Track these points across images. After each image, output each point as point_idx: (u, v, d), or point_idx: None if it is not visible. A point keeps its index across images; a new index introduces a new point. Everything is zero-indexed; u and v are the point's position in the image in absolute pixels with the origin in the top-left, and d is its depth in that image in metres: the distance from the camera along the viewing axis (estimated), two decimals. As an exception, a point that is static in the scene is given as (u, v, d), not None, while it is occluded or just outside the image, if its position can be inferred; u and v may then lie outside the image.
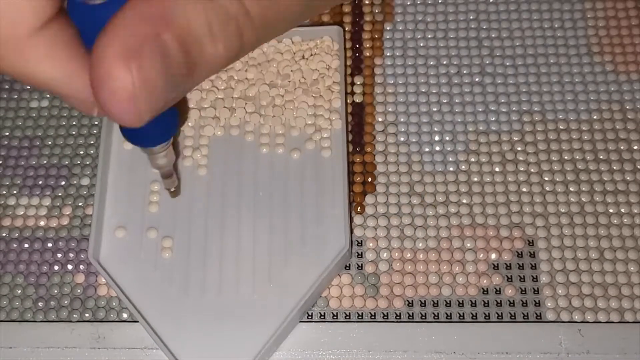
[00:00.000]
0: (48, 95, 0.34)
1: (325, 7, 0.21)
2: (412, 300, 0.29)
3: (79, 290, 0.30)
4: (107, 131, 0.31)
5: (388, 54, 0.34)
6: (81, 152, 0.33)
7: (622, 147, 0.32)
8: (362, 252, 0.30)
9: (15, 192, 0.32)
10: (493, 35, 0.35)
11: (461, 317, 0.29)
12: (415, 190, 0.31)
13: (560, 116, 0.33)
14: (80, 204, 0.32)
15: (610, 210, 0.31)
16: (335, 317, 0.29)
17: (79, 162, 0.33)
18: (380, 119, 0.33)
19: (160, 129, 0.23)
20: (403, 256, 0.30)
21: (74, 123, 0.33)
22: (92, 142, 0.33)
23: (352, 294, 0.29)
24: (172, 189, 0.29)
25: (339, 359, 0.28)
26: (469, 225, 0.30)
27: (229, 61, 0.18)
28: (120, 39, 0.16)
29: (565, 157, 0.32)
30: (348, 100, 0.33)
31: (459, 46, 0.34)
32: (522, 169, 0.32)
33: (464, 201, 0.31)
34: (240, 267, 0.29)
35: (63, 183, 0.32)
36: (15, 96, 0.34)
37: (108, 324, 0.29)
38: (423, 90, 0.34)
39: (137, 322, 0.29)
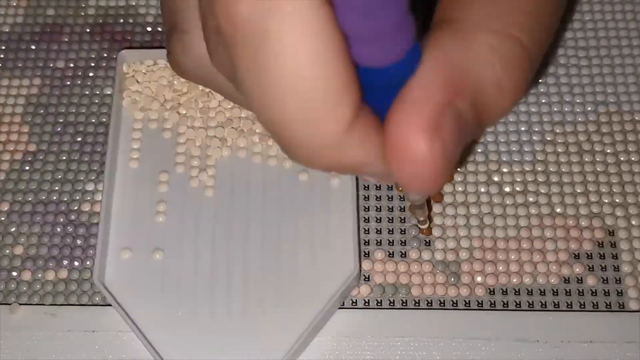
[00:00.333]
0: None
1: None
2: (494, 289, 0.29)
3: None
4: (112, 151, 0.31)
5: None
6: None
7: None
8: (444, 240, 0.30)
9: (92, 178, 0.32)
10: (565, 27, 0.35)
11: (543, 306, 0.29)
12: (493, 180, 0.31)
13: (636, 107, 0.33)
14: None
15: (690, 201, 0.31)
16: (417, 305, 0.29)
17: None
18: (455, 109, 0.33)
19: None
20: (483, 245, 0.30)
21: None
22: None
23: (434, 282, 0.29)
24: (422, 219, 0.29)
25: (419, 346, 0.28)
26: (548, 214, 0.31)
27: (514, 106, 0.19)
28: (419, 110, 0.16)
29: (643, 148, 0.32)
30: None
31: (532, 37, 0.34)
32: (599, 159, 0.32)
33: (542, 191, 0.31)
34: (249, 289, 0.29)
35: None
36: (89, 83, 0.34)
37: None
38: (496, 81, 0.34)
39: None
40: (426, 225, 0.30)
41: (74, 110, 0.34)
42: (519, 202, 0.31)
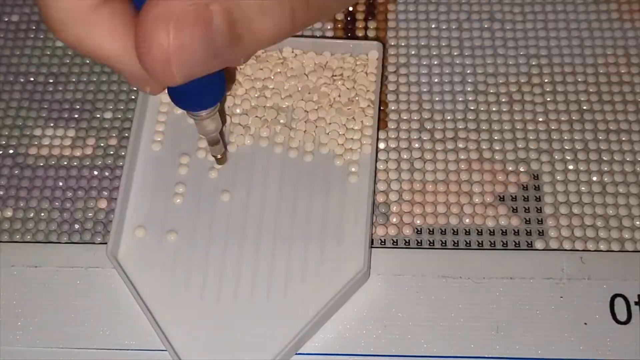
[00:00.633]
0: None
1: None
2: (421, 228, 0.31)
3: (101, 215, 0.31)
4: (136, 131, 0.32)
5: (401, 1, 0.36)
6: (104, 89, 0.34)
7: (625, 90, 0.33)
8: (374, 183, 0.31)
9: (41, 124, 0.33)
10: (502, -16, 0.36)
11: (467, 245, 0.30)
12: (425, 127, 0.33)
13: (567, 60, 0.34)
14: (103, 136, 0.33)
15: (613, 148, 0.32)
16: (346, 243, 0.30)
17: (101, 97, 0.34)
18: (392, 61, 0.34)
19: (206, 94, 0.24)
20: (413, 187, 0.31)
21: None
22: (114, 79, 0.34)
23: (363, 221, 0.31)
24: (219, 156, 0.30)
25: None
26: (476, 159, 0.32)
27: (277, 38, 0.19)
28: (166, 2, 0.17)
29: (571, 99, 0.33)
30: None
31: (470, -7, 0.36)
32: (528, 108, 0.33)
33: (472, 137, 0.32)
34: (257, 278, 0.29)
35: (87, 116, 0.33)
36: (42, 36, 0.36)
37: (129, 245, 0.30)
38: (434, 35, 0.35)
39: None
40: (223, 159, 0.31)
41: (25, 61, 0.35)
42: (449, 148, 0.32)
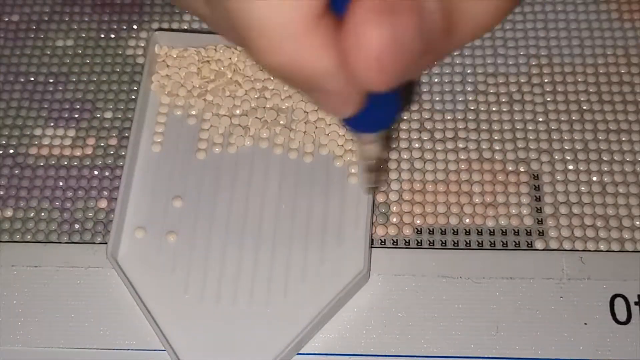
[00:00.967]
0: (73, 35, 0.35)
1: None
2: (421, 228, 0.31)
3: (101, 215, 0.31)
4: (136, 132, 0.32)
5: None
6: (104, 88, 0.34)
7: (625, 90, 0.33)
8: (373, 183, 0.31)
9: (41, 124, 0.33)
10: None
11: (467, 245, 0.30)
12: (425, 127, 0.33)
13: (566, 60, 0.34)
14: (103, 136, 0.33)
15: (613, 148, 0.32)
16: (346, 243, 0.30)
17: (101, 97, 0.34)
18: (392, 61, 0.34)
19: (382, 114, 0.21)
20: (413, 187, 0.31)
21: (97, 62, 0.35)
22: (114, 79, 0.34)
23: (364, 221, 0.31)
24: (371, 185, 0.29)
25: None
26: (476, 159, 0.32)
27: (497, 22, 0.17)
28: None
29: (571, 99, 0.33)
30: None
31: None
32: (528, 108, 0.33)
33: (472, 137, 0.32)
34: (257, 279, 0.29)
35: (87, 116, 0.33)
36: (42, 36, 0.36)
37: (130, 244, 0.30)
38: (434, 35, 0.35)
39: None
40: (372, 190, 0.30)
41: (25, 61, 0.35)
42: (449, 147, 0.32)
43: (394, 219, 0.31)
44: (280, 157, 0.32)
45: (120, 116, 0.33)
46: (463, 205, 0.31)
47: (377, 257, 0.30)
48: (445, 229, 0.30)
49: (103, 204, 0.31)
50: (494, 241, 0.30)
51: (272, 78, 0.33)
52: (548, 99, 0.33)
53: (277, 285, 0.29)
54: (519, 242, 0.30)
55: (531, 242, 0.30)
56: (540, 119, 0.32)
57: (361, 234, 0.30)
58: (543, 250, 0.30)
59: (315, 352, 0.28)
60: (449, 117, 0.33)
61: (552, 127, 0.32)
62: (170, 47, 0.34)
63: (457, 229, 0.30)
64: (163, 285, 0.29)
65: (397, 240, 0.30)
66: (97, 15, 0.36)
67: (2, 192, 0.32)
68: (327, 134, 0.32)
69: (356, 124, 0.22)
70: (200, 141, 0.32)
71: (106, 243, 0.30)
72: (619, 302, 0.29)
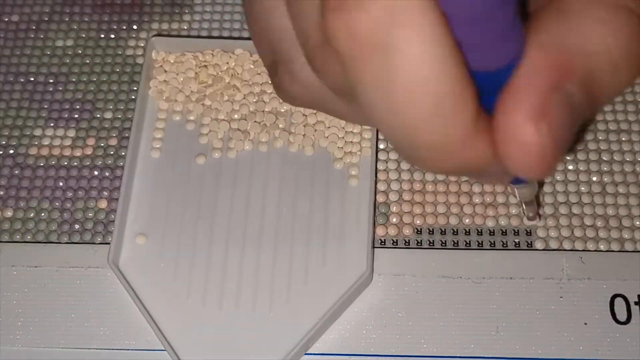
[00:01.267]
0: (73, 35, 0.36)
1: None
2: (421, 228, 0.31)
3: (101, 215, 0.31)
4: (135, 137, 0.32)
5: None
6: (104, 88, 0.34)
7: (625, 90, 0.33)
8: (373, 183, 0.31)
9: (41, 124, 0.33)
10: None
11: (467, 245, 0.30)
12: (425, 127, 0.33)
13: (566, 60, 0.34)
14: (103, 136, 0.33)
15: (613, 148, 0.32)
16: (346, 243, 0.30)
17: (101, 97, 0.34)
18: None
19: None
20: (412, 187, 0.31)
21: (97, 62, 0.35)
22: (114, 79, 0.34)
23: (364, 222, 0.31)
24: (531, 215, 0.30)
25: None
26: (476, 160, 0.32)
27: (632, 81, 0.18)
28: (524, 99, 0.16)
29: (571, 99, 0.33)
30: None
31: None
32: (528, 108, 0.33)
33: (472, 138, 0.32)
34: (259, 284, 0.29)
35: (87, 117, 0.33)
36: (42, 36, 0.36)
37: (130, 245, 0.30)
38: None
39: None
40: (533, 218, 0.30)
41: (25, 61, 0.35)
42: (449, 148, 0.32)
43: (394, 219, 0.31)
44: (280, 161, 0.32)
45: (120, 116, 0.33)
46: (463, 205, 0.31)
47: (377, 257, 0.30)
48: (445, 229, 0.30)
49: (103, 204, 0.31)
50: (494, 241, 0.30)
51: (270, 82, 0.33)
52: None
53: (279, 289, 0.29)
54: (519, 242, 0.30)
55: (531, 242, 0.30)
56: (540, 119, 0.32)
57: (363, 236, 0.30)
58: (543, 250, 0.30)
59: (315, 353, 0.28)
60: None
61: (552, 127, 0.32)
62: (167, 52, 0.34)
63: (457, 229, 0.30)
64: (165, 290, 0.29)
65: (397, 240, 0.30)
66: (97, 15, 0.36)
67: (2, 193, 0.32)
68: (327, 137, 0.32)
69: (513, 181, 0.24)
70: (200, 146, 0.32)
71: (107, 243, 0.30)
72: (619, 302, 0.29)
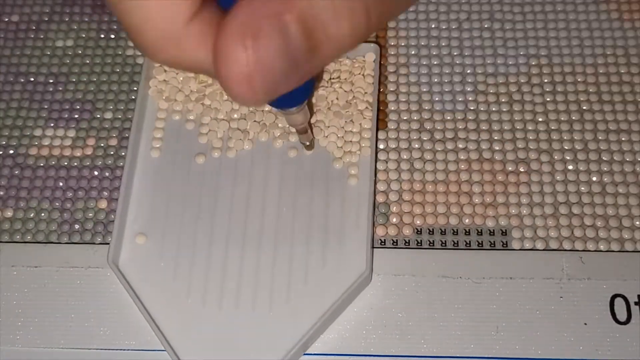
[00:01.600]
0: (73, 35, 0.35)
1: None
2: (421, 228, 0.31)
3: (101, 215, 0.31)
4: (135, 137, 0.32)
5: (401, 1, 0.36)
6: (104, 89, 0.34)
7: (625, 90, 0.33)
8: (373, 183, 0.31)
9: (41, 124, 0.33)
10: (502, -16, 0.36)
11: (467, 245, 0.30)
12: (425, 127, 0.33)
13: (566, 60, 0.34)
14: (103, 136, 0.33)
15: (613, 148, 0.32)
16: (346, 243, 0.30)
17: (101, 97, 0.34)
18: (392, 61, 0.34)
19: (297, 93, 0.24)
20: (412, 187, 0.31)
21: (97, 62, 0.35)
22: (114, 79, 0.34)
23: (363, 222, 0.31)
24: (308, 143, 0.30)
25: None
26: (476, 159, 0.32)
27: (356, 41, 0.18)
28: (240, 19, 0.16)
29: (570, 99, 0.33)
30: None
31: (470, -6, 0.36)
32: (528, 108, 0.33)
33: (472, 138, 0.32)
34: (259, 284, 0.29)
35: (87, 117, 0.33)
36: (42, 36, 0.36)
37: (130, 245, 0.30)
38: (434, 35, 0.35)
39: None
40: (311, 146, 0.31)
41: (25, 62, 0.35)
42: (449, 148, 0.32)
43: (394, 219, 0.31)
44: (279, 160, 0.32)
45: (120, 116, 0.33)
46: (463, 205, 0.31)
47: (377, 257, 0.30)
48: (445, 229, 0.30)
49: (103, 204, 0.31)
50: (494, 241, 0.30)
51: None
52: (548, 99, 0.33)
53: (279, 289, 0.29)
54: (519, 242, 0.30)
55: (532, 242, 0.30)
56: (540, 119, 0.32)
57: (362, 236, 0.30)
58: (543, 250, 0.30)
59: (315, 353, 0.28)
60: (448, 117, 0.33)
61: (552, 127, 0.32)
62: None
63: (457, 229, 0.30)
64: (165, 290, 0.29)
65: (397, 240, 0.30)
66: (97, 15, 0.36)
67: (2, 193, 0.32)
68: (326, 136, 0.32)
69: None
70: (199, 145, 0.32)
71: (107, 243, 0.30)
72: (619, 302, 0.29)
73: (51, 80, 0.34)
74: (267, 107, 0.33)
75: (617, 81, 0.33)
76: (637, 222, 0.30)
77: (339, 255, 0.30)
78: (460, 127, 0.32)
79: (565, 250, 0.30)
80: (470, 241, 0.30)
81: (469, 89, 0.33)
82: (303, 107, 0.27)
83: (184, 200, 0.31)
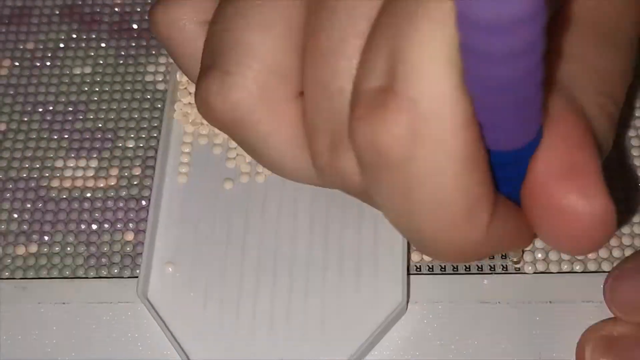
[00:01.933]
0: (90, 62, 0.35)
1: None
2: (456, 253, 0.30)
3: (128, 248, 0.30)
4: (161, 163, 0.31)
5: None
6: (125, 116, 0.33)
7: None
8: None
9: (62, 155, 0.33)
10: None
11: (504, 269, 0.30)
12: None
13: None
14: (126, 165, 0.32)
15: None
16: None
17: (122, 125, 0.33)
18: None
19: None
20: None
21: (117, 89, 0.34)
22: (135, 106, 0.34)
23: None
24: (516, 259, 0.29)
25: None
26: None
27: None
28: (566, 167, 0.18)
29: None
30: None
31: None
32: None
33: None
34: (291, 315, 0.28)
35: (109, 146, 0.33)
36: (58, 63, 0.35)
37: (159, 278, 0.30)
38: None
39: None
40: (518, 263, 0.30)
41: (43, 90, 0.34)
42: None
43: (428, 244, 0.30)
44: (309, 187, 0.31)
45: (142, 145, 0.33)
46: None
47: (412, 284, 0.29)
48: (481, 253, 0.30)
49: (130, 236, 0.31)
50: (535, 263, 0.30)
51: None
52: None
53: (312, 321, 0.28)
54: (556, 264, 0.30)
55: (569, 264, 0.29)
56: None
57: (398, 263, 0.29)
58: (581, 272, 0.29)
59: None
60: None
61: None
62: None
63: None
64: (196, 321, 0.29)
65: (432, 266, 0.30)
66: (114, 41, 0.35)
67: (25, 227, 0.31)
68: None
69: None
70: (227, 171, 0.32)
71: (135, 277, 0.29)
72: None
73: (70, 109, 0.34)
74: None
75: None
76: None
77: (373, 284, 0.29)
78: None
79: (605, 272, 0.29)
80: (506, 265, 0.30)
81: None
82: None
83: (212, 227, 0.30)
